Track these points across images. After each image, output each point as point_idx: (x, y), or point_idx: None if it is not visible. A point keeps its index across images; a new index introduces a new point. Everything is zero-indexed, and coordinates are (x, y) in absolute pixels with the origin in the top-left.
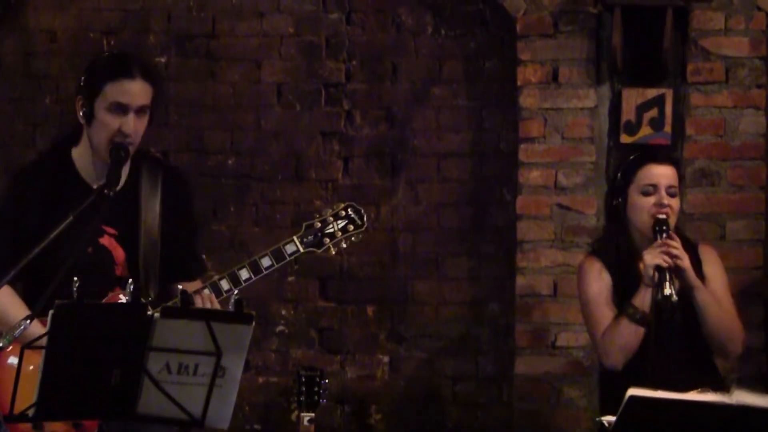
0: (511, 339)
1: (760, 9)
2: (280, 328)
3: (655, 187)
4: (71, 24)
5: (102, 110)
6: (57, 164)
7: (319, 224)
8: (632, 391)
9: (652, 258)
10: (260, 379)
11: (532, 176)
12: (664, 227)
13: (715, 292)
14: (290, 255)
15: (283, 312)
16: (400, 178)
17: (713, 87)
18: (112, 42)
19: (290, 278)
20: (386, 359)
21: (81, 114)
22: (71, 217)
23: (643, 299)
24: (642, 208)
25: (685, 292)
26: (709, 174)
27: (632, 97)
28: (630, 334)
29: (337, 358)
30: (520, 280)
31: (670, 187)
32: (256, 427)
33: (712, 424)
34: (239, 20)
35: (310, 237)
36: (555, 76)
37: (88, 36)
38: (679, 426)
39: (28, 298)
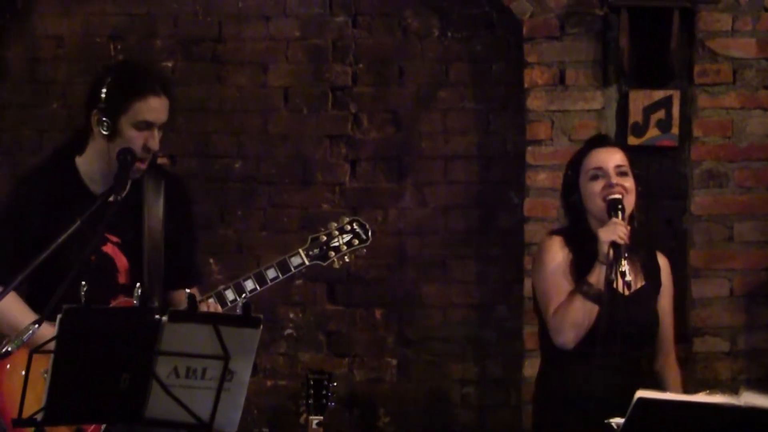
0: (519, 342)
1: (767, 10)
2: (288, 331)
3: (602, 170)
4: (78, 29)
5: (128, 126)
6: (60, 172)
7: (324, 237)
8: (640, 393)
9: (607, 234)
10: (268, 383)
11: (539, 178)
12: (619, 206)
13: (666, 308)
14: (296, 267)
15: (291, 315)
16: (407, 181)
17: (720, 88)
18: (119, 47)
19: (298, 282)
20: (394, 362)
21: (101, 128)
22: (78, 222)
23: (597, 277)
24: (594, 193)
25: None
26: (716, 175)
27: (639, 99)
28: (582, 311)
29: (345, 362)
30: (528, 283)
31: (618, 167)
32: (265, 430)
33: (721, 426)
34: (245, 24)
35: (315, 250)
36: (562, 79)
37: (95, 41)
38: (687, 428)
39: (30, 304)
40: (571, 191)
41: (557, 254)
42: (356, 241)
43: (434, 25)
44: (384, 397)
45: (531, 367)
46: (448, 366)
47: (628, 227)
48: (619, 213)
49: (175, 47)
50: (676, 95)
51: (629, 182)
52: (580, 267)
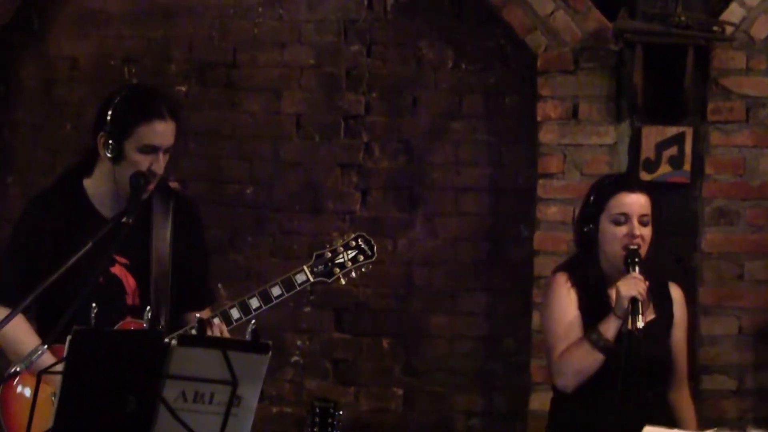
0: (526, 375)
1: None
2: (295, 358)
3: (626, 216)
4: (93, 51)
5: (133, 151)
6: (69, 194)
7: (329, 254)
8: (648, 430)
9: (627, 289)
10: (274, 409)
11: (550, 212)
12: (636, 259)
13: (679, 341)
14: (300, 284)
15: (298, 342)
16: (418, 211)
17: (733, 126)
18: (134, 70)
19: (306, 309)
20: (400, 392)
21: (107, 151)
22: (90, 244)
23: (609, 328)
24: (613, 237)
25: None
26: (727, 213)
27: (652, 135)
28: (589, 360)
29: (351, 390)
30: (536, 316)
31: (642, 216)
32: None
33: None
34: (260, 50)
35: (320, 267)
36: (575, 113)
37: (110, 64)
38: None
39: (39, 326)
40: (587, 222)
41: (564, 293)
42: (362, 257)
43: (448, 56)
44: (389, 427)
45: (538, 401)
46: (455, 397)
47: (647, 282)
48: (636, 267)
49: (190, 72)
50: (688, 132)
51: (648, 232)
52: (587, 305)
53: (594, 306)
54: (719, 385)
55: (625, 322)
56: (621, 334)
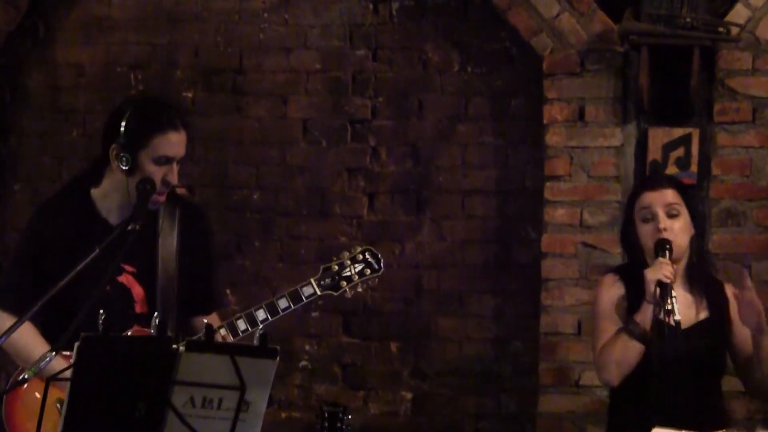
0: (535, 377)
1: None
2: (304, 363)
3: (651, 212)
4: (99, 58)
5: (148, 162)
6: (77, 203)
7: (336, 267)
8: (657, 431)
9: (654, 274)
10: (283, 415)
11: (557, 214)
12: (667, 246)
13: (743, 335)
14: (307, 297)
15: (307, 347)
16: (425, 214)
17: (740, 127)
18: (140, 77)
19: (314, 314)
20: (409, 396)
21: (120, 163)
22: (97, 250)
23: (644, 315)
24: (645, 234)
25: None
26: (734, 214)
27: (658, 137)
28: (627, 350)
29: (360, 394)
30: (545, 318)
31: (668, 206)
32: None
33: None
34: (266, 56)
35: (327, 280)
36: (581, 115)
37: (116, 70)
38: None
39: (46, 334)
40: (626, 226)
41: (608, 292)
42: (368, 271)
43: (454, 59)
44: (399, 431)
45: (546, 403)
46: (463, 400)
47: (674, 266)
48: (666, 253)
49: (196, 77)
50: (695, 133)
51: (680, 222)
52: (632, 303)
53: (639, 305)
54: (728, 385)
55: (657, 307)
56: (660, 324)
